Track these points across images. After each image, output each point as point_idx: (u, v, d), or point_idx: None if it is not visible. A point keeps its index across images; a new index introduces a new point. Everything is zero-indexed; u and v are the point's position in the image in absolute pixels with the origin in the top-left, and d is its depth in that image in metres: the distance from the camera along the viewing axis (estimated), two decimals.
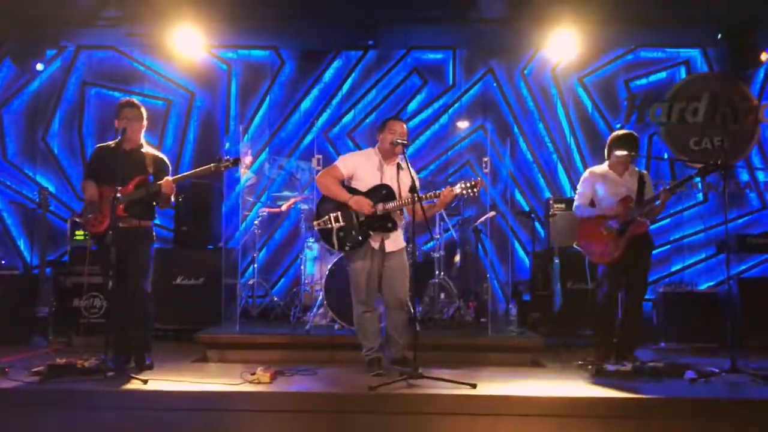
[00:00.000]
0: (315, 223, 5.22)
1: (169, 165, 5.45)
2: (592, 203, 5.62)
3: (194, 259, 7.10)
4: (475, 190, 4.92)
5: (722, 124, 7.97)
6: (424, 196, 4.99)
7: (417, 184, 5.06)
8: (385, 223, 5.11)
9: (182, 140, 8.30)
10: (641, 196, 5.45)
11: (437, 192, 5.03)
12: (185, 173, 5.33)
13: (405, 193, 4.97)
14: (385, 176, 5.20)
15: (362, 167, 5.23)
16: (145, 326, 5.32)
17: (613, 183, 5.55)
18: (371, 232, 5.10)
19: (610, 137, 5.70)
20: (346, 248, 5.13)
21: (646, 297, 5.75)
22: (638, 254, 5.40)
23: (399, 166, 5.16)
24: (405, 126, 5.28)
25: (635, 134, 5.67)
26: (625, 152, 5.48)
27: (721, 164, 5.31)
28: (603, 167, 5.67)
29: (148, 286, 5.27)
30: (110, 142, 5.42)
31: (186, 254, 7.17)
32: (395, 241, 5.19)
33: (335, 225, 5.12)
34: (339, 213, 5.13)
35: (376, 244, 5.13)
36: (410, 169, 5.02)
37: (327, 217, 5.15)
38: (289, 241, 8.16)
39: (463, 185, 4.94)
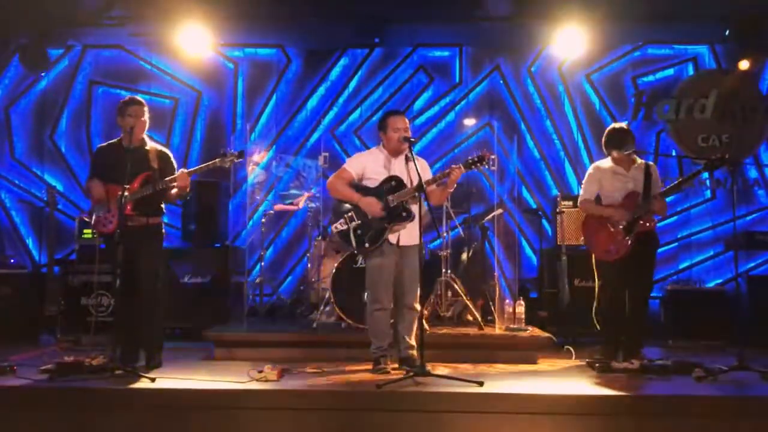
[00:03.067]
0: (333, 227, 5.24)
1: (173, 159, 5.43)
2: (597, 198, 5.59)
3: (201, 258, 7.11)
4: (482, 163, 4.98)
5: (730, 121, 7.94)
6: (433, 178, 5.06)
7: (429, 172, 5.22)
8: (399, 213, 5.10)
9: (189, 139, 8.32)
10: (648, 190, 5.41)
11: (446, 171, 5.04)
12: (193, 168, 5.29)
13: (417, 181, 4.95)
14: (394, 170, 5.20)
15: (370, 166, 5.24)
16: (154, 324, 5.33)
17: (621, 178, 5.51)
18: (386, 225, 5.10)
19: (605, 134, 5.64)
20: (366, 245, 5.12)
21: (654, 295, 5.72)
22: (644, 251, 5.37)
23: (407, 158, 5.15)
24: (405, 119, 5.28)
25: (626, 127, 5.62)
26: (621, 151, 5.44)
27: (727, 158, 5.25)
28: (608, 162, 5.62)
29: (158, 284, 5.28)
30: (113, 141, 5.42)
31: (193, 252, 7.18)
32: (411, 235, 5.14)
33: (351, 224, 5.14)
34: (353, 212, 5.14)
35: (393, 238, 5.13)
36: (415, 161, 5.02)
37: (343, 218, 5.17)
38: (297, 240, 8.17)
39: (471, 159, 5.00)
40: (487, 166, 5.09)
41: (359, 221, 5.12)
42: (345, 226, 5.15)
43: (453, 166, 5.04)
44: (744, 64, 7.46)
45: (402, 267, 5.14)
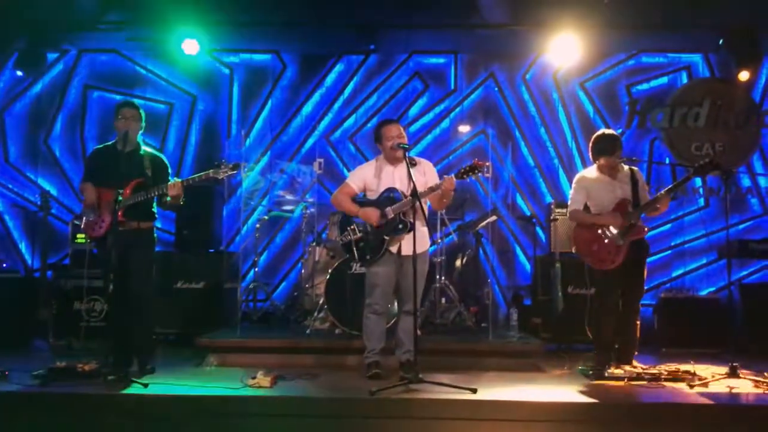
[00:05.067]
0: (338, 239, 5.37)
1: (168, 165, 5.43)
2: (586, 208, 5.57)
3: (195, 263, 7.08)
4: (475, 172, 4.95)
5: (724, 130, 7.97)
6: (428, 189, 5.05)
7: (434, 174, 5.30)
8: (396, 225, 5.11)
9: (184, 144, 8.30)
10: (636, 197, 5.41)
11: (439, 183, 5.03)
12: (187, 178, 5.23)
13: (419, 188, 4.96)
14: (395, 179, 5.22)
15: (370, 178, 5.28)
16: (146, 330, 5.32)
17: (608, 186, 5.47)
18: (386, 237, 5.12)
19: (594, 140, 5.59)
20: (367, 258, 5.19)
21: (647, 302, 5.70)
22: (635, 259, 5.36)
23: (410, 164, 5.08)
24: (399, 126, 5.30)
25: (615, 134, 5.60)
26: (612, 158, 5.44)
27: (715, 162, 5.24)
28: (594, 172, 5.57)
29: (149, 289, 5.27)
30: (108, 143, 5.40)
31: (186, 258, 7.15)
32: (412, 244, 5.10)
33: (353, 237, 5.24)
34: (355, 226, 5.24)
35: (394, 249, 5.15)
36: (410, 167, 5.01)
37: (346, 231, 5.28)
38: (290, 246, 8.16)
39: (462, 169, 4.98)
40: (482, 174, 5.10)
41: (361, 234, 5.21)
42: (348, 238, 5.25)
43: (445, 176, 5.04)
44: (744, 75, 7.48)
45: (405, 274, 5.13)
